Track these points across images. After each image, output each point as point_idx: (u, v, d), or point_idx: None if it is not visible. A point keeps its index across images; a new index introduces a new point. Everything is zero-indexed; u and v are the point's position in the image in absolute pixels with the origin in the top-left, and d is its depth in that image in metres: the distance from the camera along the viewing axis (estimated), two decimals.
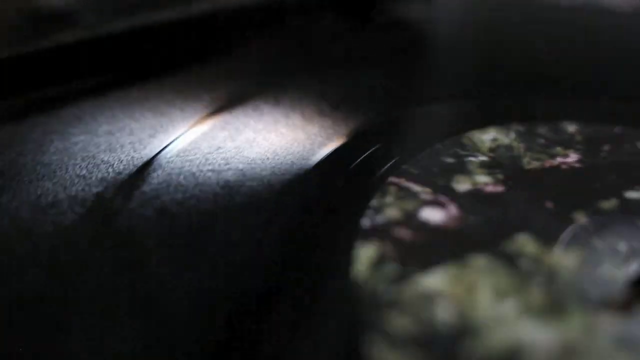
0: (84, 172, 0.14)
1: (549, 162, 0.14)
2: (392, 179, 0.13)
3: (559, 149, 0.14)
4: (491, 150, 0.14)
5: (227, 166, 0.14)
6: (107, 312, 0.11)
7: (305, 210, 0.13)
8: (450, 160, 0.14)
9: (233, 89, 0.16)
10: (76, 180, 0.13)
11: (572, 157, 0.14)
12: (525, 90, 0.17)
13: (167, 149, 0.14)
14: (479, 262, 0.11)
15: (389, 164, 0.14)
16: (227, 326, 0.10)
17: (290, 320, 0.10)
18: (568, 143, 0.14)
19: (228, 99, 0.16)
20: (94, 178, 0.13)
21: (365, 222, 0.12)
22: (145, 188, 0.13)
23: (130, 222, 0.12)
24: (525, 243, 0.11)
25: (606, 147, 0.14)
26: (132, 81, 0.16)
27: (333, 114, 0.15)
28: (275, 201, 0.13)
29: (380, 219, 0.12)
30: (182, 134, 0.15)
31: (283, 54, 0.18)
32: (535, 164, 0.14)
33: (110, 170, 0.14)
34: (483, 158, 0.14)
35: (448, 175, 0.13)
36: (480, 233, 0.12)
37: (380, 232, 0.12)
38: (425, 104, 0.16)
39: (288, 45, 0.19)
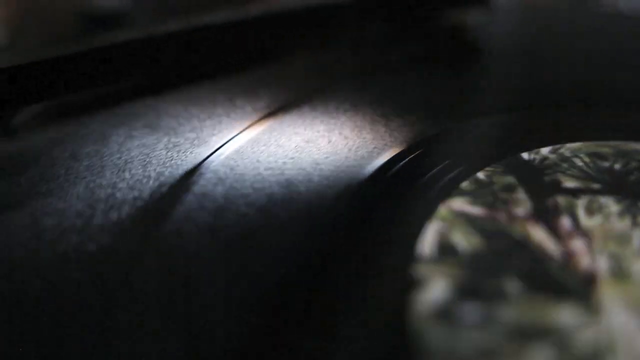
0: (133, 174, 0.13)
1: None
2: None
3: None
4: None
5: (279, 171, 0.13)
6: (147, 320, 0.10)
7: (356, 221, 0.12)
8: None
9: (286, 93, 0.16)
10: (126, 182, 0.13)
11: None
12: (588, 105, 0.16)
13: (218, 152, 0.14)
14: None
15: (446, 178, 0.13)
16: (267, 336, 0.10)
17: (335, 335, 0.10)
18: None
19: (281, 103, 0.15)
20: (143, 180, 0.13)
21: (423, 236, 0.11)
22: (195, 192, 0.13)
23: (177, 226, 0.12)
24: None
25: None
26: (184, 83, 0.16)
27: (389, 122, 0.15)
28: (325, 211, 0.12)
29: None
30: (234, 137, 0.14)
31: (338, 58, 0.18)
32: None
33: (160, 172, 0.13)
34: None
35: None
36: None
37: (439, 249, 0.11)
38: (481, 116, 0.16)
39: (343, 50, 0.18)
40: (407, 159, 0.14)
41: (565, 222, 0.12)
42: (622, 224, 0.11)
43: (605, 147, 0.14)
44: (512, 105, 0.16)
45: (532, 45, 0.20)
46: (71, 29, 0.20)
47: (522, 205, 0.12)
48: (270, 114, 0.15)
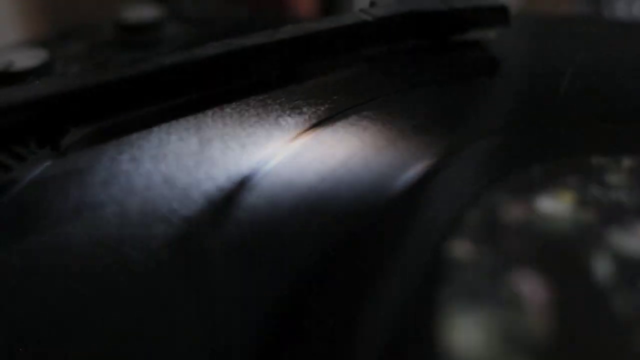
0: (178, 188, 0.14)
1: None
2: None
3: None
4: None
5: (319, 183, 0.14)
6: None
7: (391, 231, 0.13)
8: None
9: (324, 109, 0.17)
10: (171, 197, 0.14)
11: None
12: (610, 121, 0.16)
13: (261, 166, 0.15)
14: None
15: (479, 189, 0.14)
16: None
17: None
18: None
19: (319, 118, 0.16)
20: (188, 194, 0.14)
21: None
22: (238, 205, 0.14)
23: (222, 239, 0.13)
24: None
25: None
26: (226, 101, 0.17)
27: (420, 136, 0.16)
28: (361, 222, 0.13)
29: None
30: (276, 151, 0.15)
31: (368, 75, 0.18)
32: None
33: (204, 186, 0.14)
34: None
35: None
36: None
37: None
38: (505, 128, 0.16)
39: (372, 66, 0.19)
40: (440, 171, 0.14)
41: None
42: None
43: None
44: (533, 119, 0.17)
45: (551, 57, 0.20)
46: (109, 43, 0.21)
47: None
48: (309, 129, 0.16)
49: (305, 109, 0.16)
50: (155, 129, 0.16)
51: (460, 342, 0.10)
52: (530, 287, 0.11)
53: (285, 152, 0.15)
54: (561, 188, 0.14)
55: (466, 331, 0.11)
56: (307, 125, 0.16)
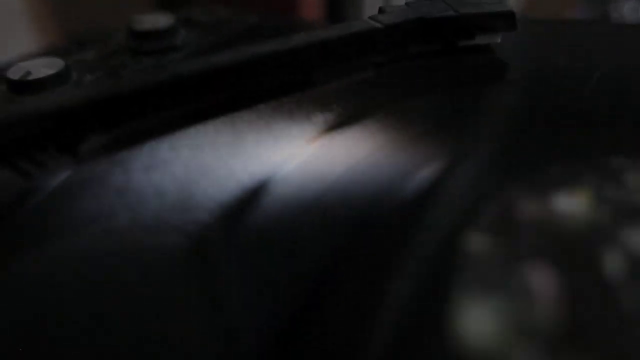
0: (193, 194, 0.14)
1: None
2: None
3: None
4: None
5: (333, 187, 0.14)
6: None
7: (401, 237, 0.13)
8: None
9: (332, 116, 0.17)
10: (181, 207, 0.14)
11: None
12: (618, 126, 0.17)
13: (276, 170, 0.15)
14: None
15: (486, 194, 0.14)
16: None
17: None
18: None
19: (329, 125, 0.16)
20: (203, 200, 0.14)
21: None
22: (253, 209, 0.14)
23: (237, 244, 0.13)
24: None
25: None
26: (236, 107, 0.17)
27: (432, 139, 0.16)
28: (372, 226, 0.13)
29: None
30: (286, 160, 0.15)
31: (381, 81, 0.19)
32: None
33: (219, 192, 0.14)
34: None
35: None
36: None
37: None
38: (513, 132, 0.16)
39: (383, 72, 0.19)
40: (452, 173, 0.15)
41: None
42: None
43: None
44: (539, 123, 0.17)
45: (558, 62, 0.20)
46: (123, 50, 0.22)
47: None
48: (322, 134, 0.16)
49: (318, 114, 0.17)
50: (171, 135, 0.16)
51: (472, 336, 0.11)
52: (542, 282, 0.12)
53: (300, 157, 0.15)
54: (574, 188, 0.14)
55: (478, 326, 0.11)
56: (320, 130, 0.16)
